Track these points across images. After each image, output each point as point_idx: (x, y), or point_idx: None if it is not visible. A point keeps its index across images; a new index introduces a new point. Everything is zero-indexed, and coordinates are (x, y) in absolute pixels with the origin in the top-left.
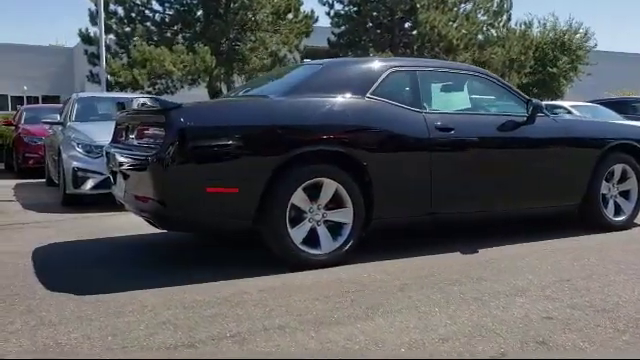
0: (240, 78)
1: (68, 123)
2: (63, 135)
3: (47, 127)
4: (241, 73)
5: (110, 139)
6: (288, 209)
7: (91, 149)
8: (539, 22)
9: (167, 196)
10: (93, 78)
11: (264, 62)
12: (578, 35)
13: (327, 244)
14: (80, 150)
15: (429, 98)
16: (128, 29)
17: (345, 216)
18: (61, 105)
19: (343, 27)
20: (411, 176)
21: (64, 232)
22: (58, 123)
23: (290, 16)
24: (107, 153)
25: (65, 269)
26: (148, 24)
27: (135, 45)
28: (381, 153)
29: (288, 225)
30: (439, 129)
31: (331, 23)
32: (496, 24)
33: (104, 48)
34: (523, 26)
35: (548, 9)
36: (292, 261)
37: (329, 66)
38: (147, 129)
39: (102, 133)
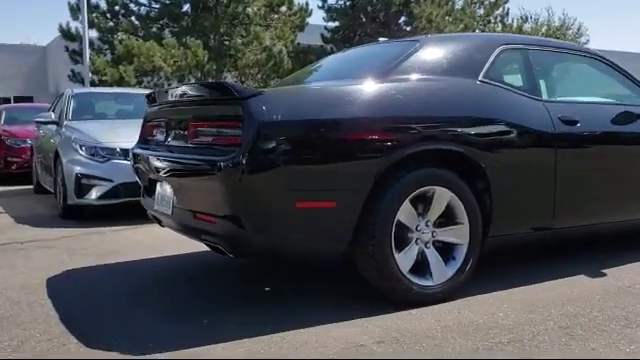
0: (230, 75)
1: (65, 122)
2: (60, 136)
3: (34, 128)
4: (233, 69)
5: (118, 139)
6: (393, 227)
7: (96, 152)
8: (531, 17)
9: (246, 214)
10: (75, 77)
11: (258, 57)
12: (570, 31)
13: (439, 272)
14: (83, 153)
15: (545, 83)
16: (111, 24)
17: (459, 235)
18: (45, 105)
19: (337, 22)
20: (534, 180)
21: (76, 254)
22: (52, 122)
23: (284, 9)
24: (136, 156)
25: (95, 310)
26: (132, 18)
27: (121, 40)
28: (501, 152)
29: (394, 248)
30: (564, 122)
31: (324, 18)
32: (492, 18)
33: (87, 43)
34: (520, 20)
35: (542, 4)
36: (399, 296)
37: (428, 42)
38: (208, 125)
39: (108, 133)
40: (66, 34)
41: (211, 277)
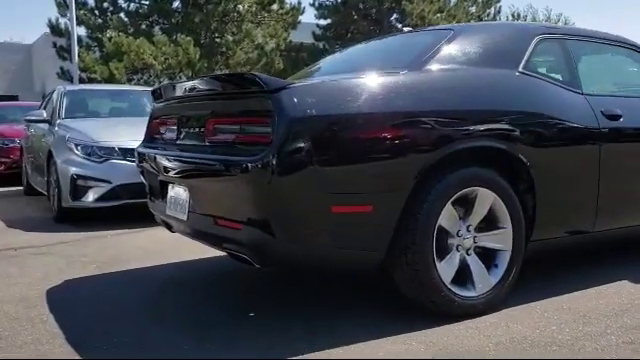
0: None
1: (58, 121)
2: (53, 135)
3: (24, 127)
4: (225, 67)
5: (116, 138)
6: (435, 233)
7: (93, 151)
8: (518, 15)
9: (277, 220)
10: (64, 74)
11: (249, 56)
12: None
13: (482, 281)
14: (79, 153)
15: (584, 75)
16: (100, 21)
17: (502, 240)
18: (33, 103)
19: (329, 19)
20: (578, 180)
21: (75, 261)
22: (44, 121)
23: (275, 7)
24: (142, 155)
25: (105, 327)
26: (121, 15)
27: (111, 37)
28: (546, 150)
29: (435, 257)
30: (607, 117)
31: (315, 15)
32: (484, 16)
33: (76, 40)
34: (511, 17)
35: (533, 3)
36: (440, 309)
37: (463, 30)
38: (230, 121)
39: (105, 131)
40: (54, 29)
41: (226, 286)
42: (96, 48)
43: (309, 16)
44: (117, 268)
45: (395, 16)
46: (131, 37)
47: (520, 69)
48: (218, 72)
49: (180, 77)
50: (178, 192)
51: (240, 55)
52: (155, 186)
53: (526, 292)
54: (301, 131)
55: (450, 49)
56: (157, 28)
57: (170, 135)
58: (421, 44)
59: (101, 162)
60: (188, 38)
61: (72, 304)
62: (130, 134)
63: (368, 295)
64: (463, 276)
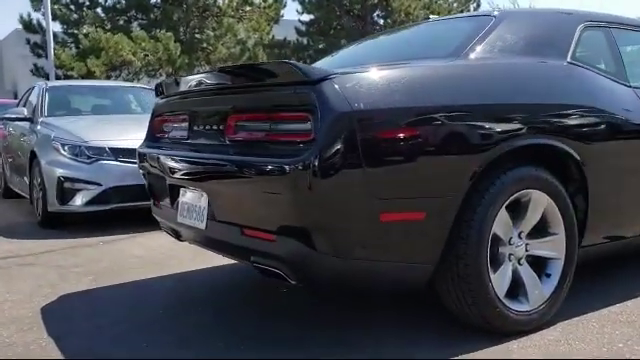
0: (201, 69)
1: (40, 119)
2: (36, 134)
3: (1, 125)
4: (206, 63)
5: (106, 137)
6: (489, 242)
7: (81, 151)
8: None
9: (319, 230)
10: (38, 71)
11: (231, 51)
12: None
13: (536, 293)
14: (66, 153)
15: (630, 66)
16: (76, 16)
17: (555, 247)
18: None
19: (312, 15)
20: (630, 179)
21: (67, 272)
22: (25, 119)
23: (257, 1)
24: (143, 156)
25: (111, 352)
26: (98, 10)
27: (87, 33)
28: (599, 146)
29: (489, 268)
30: None
31: (298, 10)
32: (466, 11)
33: (51, 36)
34: None
35: None
36: (493, 325)
37: (507, 17)
38: (258, 117)
39: (93, 130)
40: (27, 26)
41: (239, 299)
42: (72, 44)
43: (291, 13)
44: (115, 280)
45: (378, 12)
46: (109, 33)
47: (568, 59)
48: (199, 68)
49: (160, 74)
50: (193, 197)
51: (222, 50)
52: (161, 190)
53: (573, 302)
54: (348, 128)
55: (495, 36)
56: (135, 24)
57: (178, 133)
58: (462, 32)
59: (90, 163)
60: (168, 34)
61: (71, 325)
62: (121, 133)
63: (398, 312)
64: (516, 288)
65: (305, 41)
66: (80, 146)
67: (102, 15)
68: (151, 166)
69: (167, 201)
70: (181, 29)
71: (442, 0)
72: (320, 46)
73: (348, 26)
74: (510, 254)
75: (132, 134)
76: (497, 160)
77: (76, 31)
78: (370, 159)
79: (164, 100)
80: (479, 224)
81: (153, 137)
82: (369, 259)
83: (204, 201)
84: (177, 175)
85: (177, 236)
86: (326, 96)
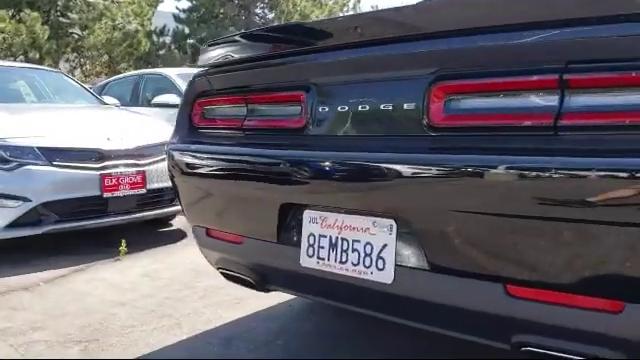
0: (72, 56)
1: None
2: None
3: None
4: (78, 50)
5: (35, 132)
6: None
7: (2, 155)
8: None
9: None
10: None
11: (109, 36)
12: None
13: None
14: None
15: None
16: None
17: None
18: None
19: (191, 2)
20: None
21: (24, 329)
22: None
23: None
24: (199, 157)
25: None
26: None
27: None
28: None
29: None
30: None
31: None
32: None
33: None
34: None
35: None
36: None
37: None
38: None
39: (15, 123)
40: None
41: None
42: None
43: (169, 5)
44: (90, 337)
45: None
46: None
47: None
48: (69, 56)
49: (22, 60)
50: (351, 227)
51: (99, 35)
52: (242, 211)
53: None
54: None
55: None
56: None
57: (281, 122)
58: None
59: (10, 170)
60: (35, 14)
61: None
62: (53, 126)
63: None
64: None
65: (187, 30)
66: (2, 146)
67: None
68: (218, 174)
69: (268, 231)
70: (51, 11)
71: None
72: (203, 34)
73: (232, 15)
74: None
75: (70, 128)
76: None
77: None
78: None
79: (232, 69)
80: None
81: (193, 132)
82: None
83: (386, 235)
84: (312, 189)
85: (261, 285)
86: None
